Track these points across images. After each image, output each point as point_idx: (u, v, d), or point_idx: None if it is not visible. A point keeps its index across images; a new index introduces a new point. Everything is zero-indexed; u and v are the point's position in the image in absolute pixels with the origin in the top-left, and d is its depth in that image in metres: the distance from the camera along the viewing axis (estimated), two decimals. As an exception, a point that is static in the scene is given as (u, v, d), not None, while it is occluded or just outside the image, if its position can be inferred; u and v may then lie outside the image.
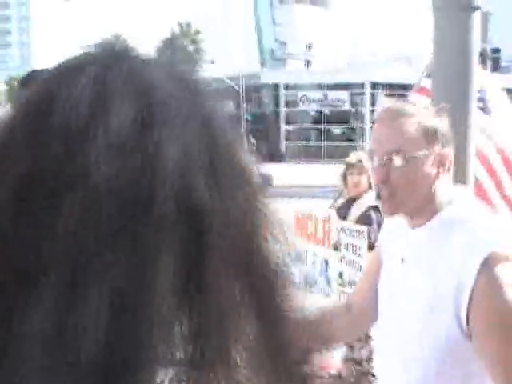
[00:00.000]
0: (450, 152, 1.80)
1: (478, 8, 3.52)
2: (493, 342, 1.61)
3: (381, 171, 1.77)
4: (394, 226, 1.97)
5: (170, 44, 56.65)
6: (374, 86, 48.20)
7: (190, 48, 57.01)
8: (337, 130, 49.80)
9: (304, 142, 49.95)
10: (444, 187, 1.81)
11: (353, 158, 5.36)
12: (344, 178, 5.36)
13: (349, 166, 5.30)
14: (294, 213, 5.10)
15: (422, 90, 5.00)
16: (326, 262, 4.70)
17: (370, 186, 4.98)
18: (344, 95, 49.70)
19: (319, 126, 49.97)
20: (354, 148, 29.99)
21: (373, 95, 48.93)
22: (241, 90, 45.13)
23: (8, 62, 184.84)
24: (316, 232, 4.91)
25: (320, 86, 49.41)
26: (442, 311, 1.65)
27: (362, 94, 49.43)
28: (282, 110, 50.09)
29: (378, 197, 1.82)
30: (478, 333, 1.61)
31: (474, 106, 3.51)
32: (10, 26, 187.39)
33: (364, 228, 4.28)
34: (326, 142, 48.67)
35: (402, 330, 1.78)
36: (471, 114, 3.50)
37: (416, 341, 1.71)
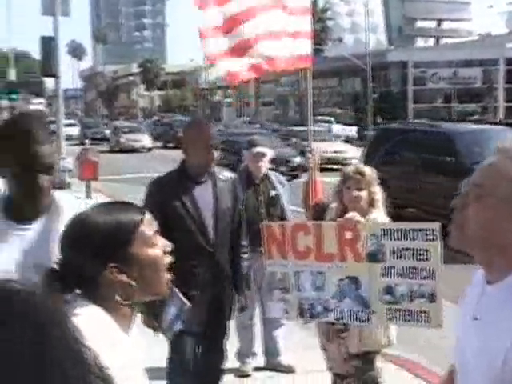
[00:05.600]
0: None
1: None
2: None
3: (459, 199, 1.75)
4: (473, 282, 1.90)
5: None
6: (509, 61, 46.19)
7: (317, 26, 56.74)
8: (468, 108, 48.11)
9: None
10: None
11: (351, 168, 4.29)
12: (338, 192, 4.26)
13: (346, 177, 4.21)
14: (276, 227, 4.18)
15: None
16: (354, 280, 3.83)
17: (371, 204, 4.17)
18: (476, 72, 47.93)
19: (449, 105, 48.54)
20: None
21: (507, 72, 46.92)
22: (368, 69, 44.49)
23: (142, 43, 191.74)
24: (319, 246, 3.92)
25: (450, 64, 47.88)
26: None
27: (496, 70, 47.50)
28: (410, 88, 48.98)
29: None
30: None
31: None
32: (144, 9, 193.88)
33: (434, 225, 3.61)
34: (455, 121, 47.27)
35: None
36: None
37: None
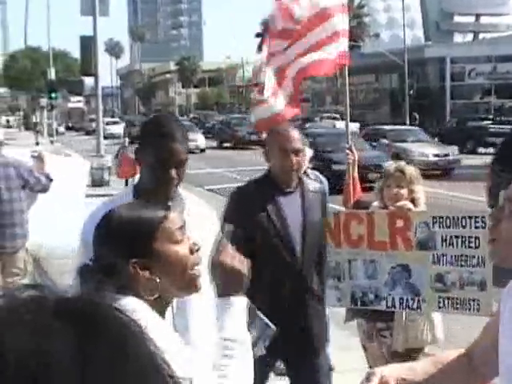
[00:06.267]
0: None
1: None
2: None
3: (494, 212, 1.71)
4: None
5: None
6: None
7: (353, 22, 56.46)
8: (507, 104, 47.35)
9: (471, 117, 48.01)
10: None
11: (392, 165, 4.36)
12: (380, 191, 4.33)
13: (387, 175, 4.29)
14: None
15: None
16: (405, 268, 3.81)
17: (412, 202, 4.16)
18: (515, 67, 47.21)
19: (488, 101, 47.85)
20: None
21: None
22: (405, 65, 44.10)
23: (179, 41, 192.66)
24: (371, 234, 3.89)
25: (489, 59, 47.20)
26: None
27: (536, 65, 46.72)
28: (448, 84, 48.40)
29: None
30: None
31: None
32: (181, 7, 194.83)
33: (483, 212, 3.52)
34: (494, 117, 46.52)
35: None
36: None
37: None
